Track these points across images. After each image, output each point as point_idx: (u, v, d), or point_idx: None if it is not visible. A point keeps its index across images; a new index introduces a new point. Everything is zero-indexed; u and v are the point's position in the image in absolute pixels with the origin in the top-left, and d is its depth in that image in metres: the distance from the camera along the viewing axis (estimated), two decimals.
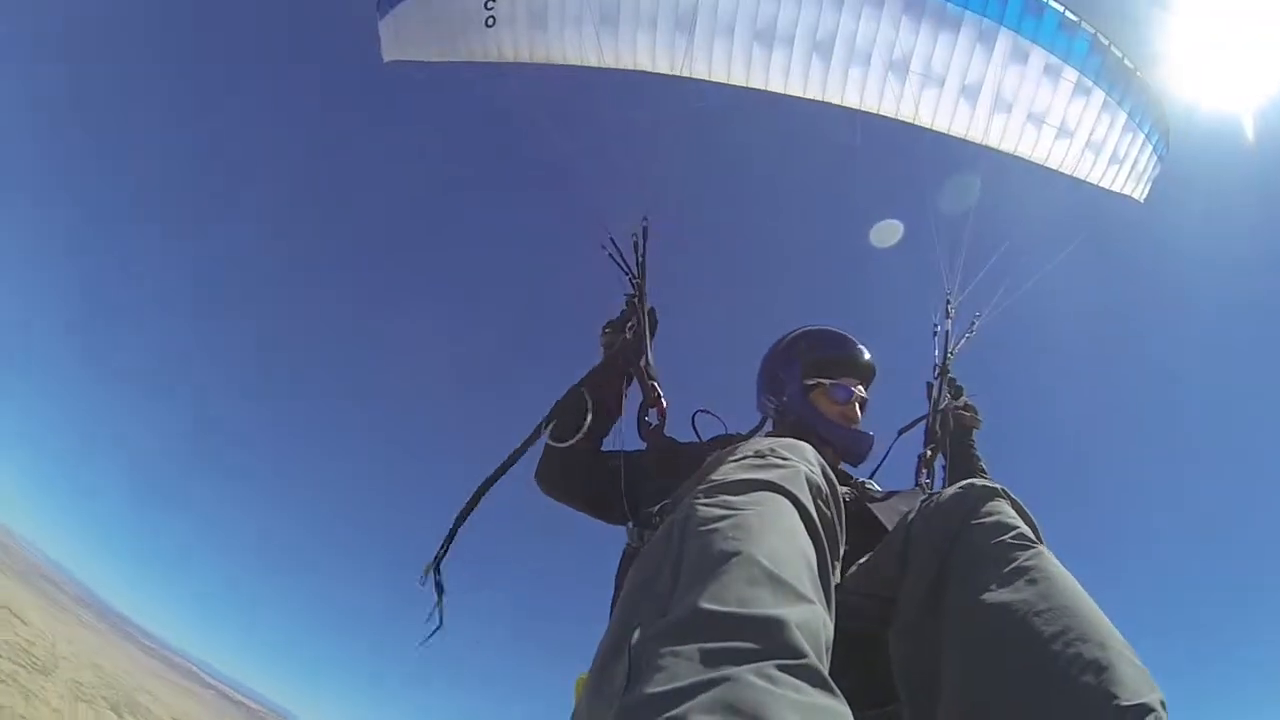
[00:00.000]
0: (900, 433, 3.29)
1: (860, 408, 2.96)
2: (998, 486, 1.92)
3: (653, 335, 3.10)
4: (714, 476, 1.58)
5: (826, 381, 2.96)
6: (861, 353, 3.07)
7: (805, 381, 2.99)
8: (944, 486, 2.65)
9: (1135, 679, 1.36)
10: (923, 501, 2.09)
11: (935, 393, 3.44)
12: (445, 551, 2.48)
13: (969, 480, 2.05)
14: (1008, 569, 1.67)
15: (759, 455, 1.67)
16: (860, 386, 2.99)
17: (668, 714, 0.96)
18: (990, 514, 1.83)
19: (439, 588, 2.41)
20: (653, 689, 1.01)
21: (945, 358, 3.62)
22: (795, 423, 2.94)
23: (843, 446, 2.86)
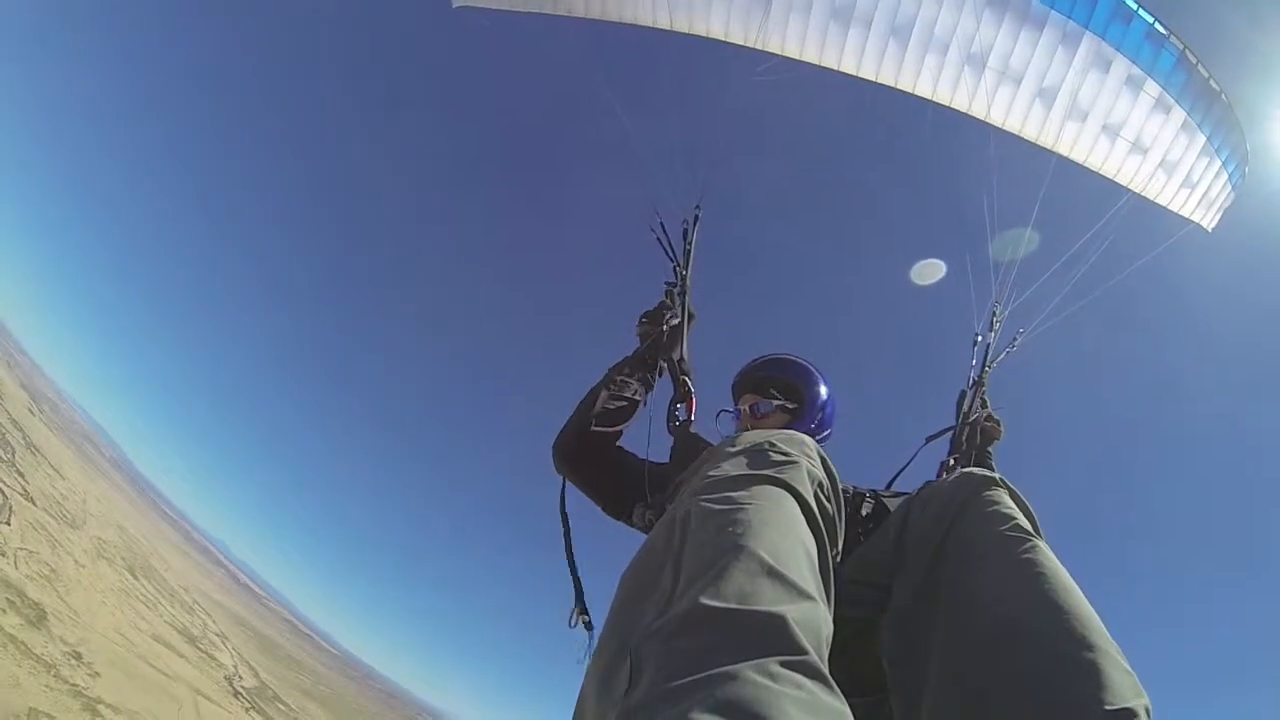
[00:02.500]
0: (928, 440, 3.35)
1: (761, 414, 3.05)
2: (996, 475, 1.96)
3: (690, 329, 3.19)
4: (713, 471, 1.62)
5: (724, 412, 3.14)
6: (752, 368, 3.18)
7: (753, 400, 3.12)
8: None
9: (1122, 683, 1.38)
10: (920, 487, 2.14)
11: (967, 404, 3.48)
12: (580, 590, 2.65)
13: (968, 469, 2.10)
14: (1004, 561, 1.70)
15: (758, 448, 1.71)
16: (751, 398, 3.10)
17: (669, 712, 1.00)
18: (989, 503, 1.86)
19: (588, 626, 2.58)
20: (655, 687, 1.06)
21: (983, 370, 3.64)
22: None
23: None
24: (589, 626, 2.57)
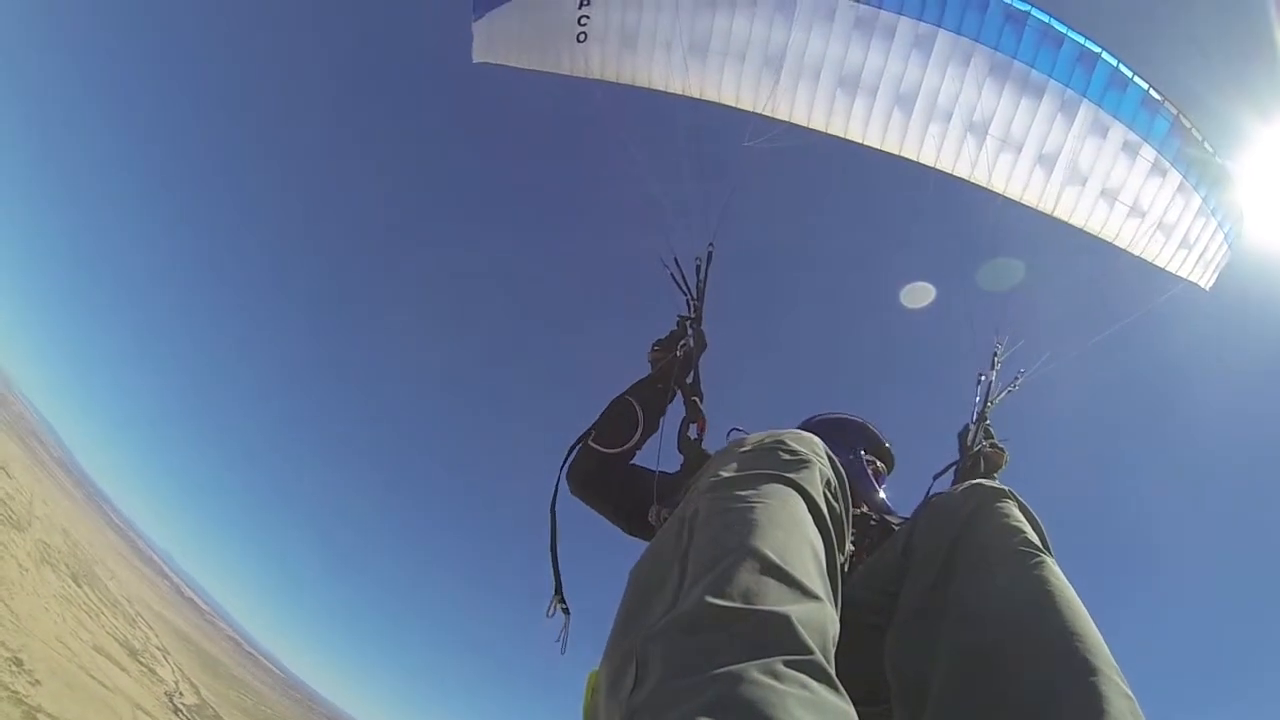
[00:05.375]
0: (935, 477, 3.61)
1: (881, 484, 3.41)
2: (1006, 488, 2.06)
3: (701, 356, 3.43)
4: (723, 470, 1.69)
5: (880, 464, 3.46)
6: (882, 436, 3.59)
7: (866, 455, 3.43)
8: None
9: (1121, 707, 1.41)
10: (930, 496, 2.27)
11: (970, 438, 3.72)
12: (559, 582, 2.75)
13: (977, 480, 2.24)
14: (1011, 576, 1.77)
15: (767, 448, 1.77)
16: (882, 469, 3.50)
17: (673, 713, 1.04)
18: (999, 514, 1.95)
19: (566, 613, 2.75)
20: (659, 687, 1.11)
21: (985, 406, 3.89)
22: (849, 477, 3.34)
23: (879, 508, 3.20)
24: (566, 612, 2.74)
